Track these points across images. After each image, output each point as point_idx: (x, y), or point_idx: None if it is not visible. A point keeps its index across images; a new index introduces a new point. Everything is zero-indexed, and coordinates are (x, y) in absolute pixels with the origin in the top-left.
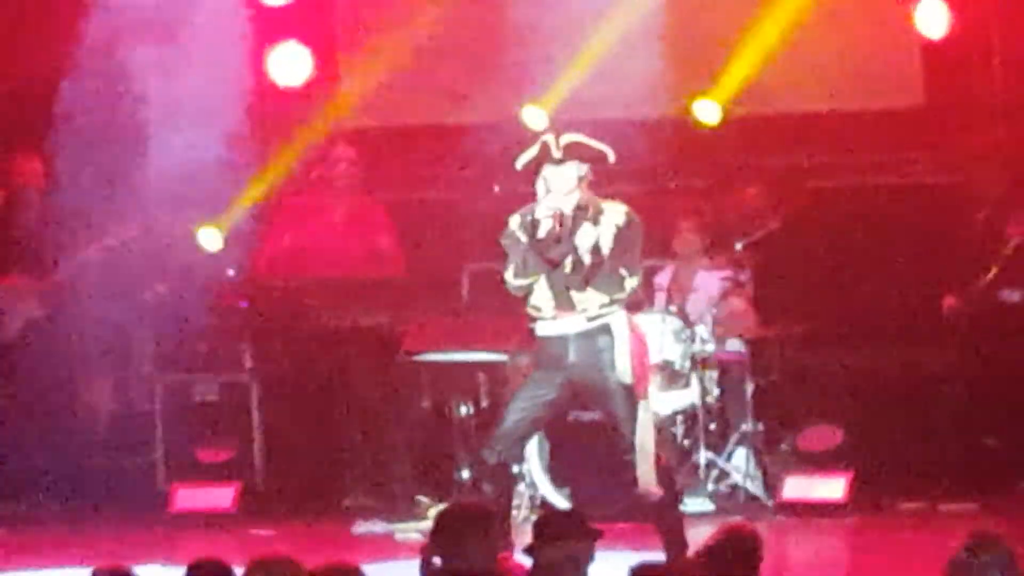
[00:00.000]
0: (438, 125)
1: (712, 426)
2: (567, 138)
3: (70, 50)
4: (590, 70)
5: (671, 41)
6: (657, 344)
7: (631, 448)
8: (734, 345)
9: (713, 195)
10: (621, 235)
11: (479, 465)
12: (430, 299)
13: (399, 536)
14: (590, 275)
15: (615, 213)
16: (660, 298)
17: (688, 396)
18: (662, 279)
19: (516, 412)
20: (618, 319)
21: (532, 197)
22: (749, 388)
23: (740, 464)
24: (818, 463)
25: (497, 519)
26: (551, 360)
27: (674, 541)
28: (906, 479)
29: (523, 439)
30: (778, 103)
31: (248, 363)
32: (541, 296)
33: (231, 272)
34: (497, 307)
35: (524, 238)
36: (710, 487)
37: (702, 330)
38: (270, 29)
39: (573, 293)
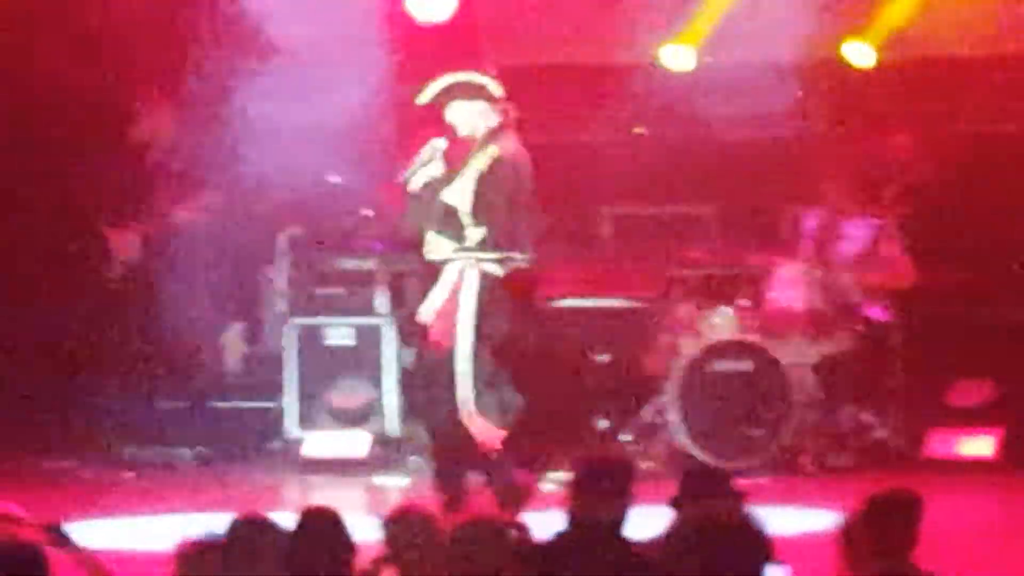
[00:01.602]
0: (578, 65)
1: (857, 379)
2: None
3: None
4: (736, 9)
5: None
6: (802, 293)
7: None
8: (881, 296)
9: (863, 140)
10: (482, 181)
11: None
12: (569, 243)
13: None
14: (443, 223)
15: (483, 158)
16: (806, 246)
17: (833, 347)
18: (809, 226)
19: None
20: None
21: (675, 139)
22: (896, 340)
23: (885, 418)
24: (967, 419)
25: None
26: None
27: (513, 500)
28: None
29: None
30: (933, 46)
31: (383, 306)
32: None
33: (367, 213)
34: (637, 252)
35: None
36: (852, 442)
37: (848, 279)
38: None
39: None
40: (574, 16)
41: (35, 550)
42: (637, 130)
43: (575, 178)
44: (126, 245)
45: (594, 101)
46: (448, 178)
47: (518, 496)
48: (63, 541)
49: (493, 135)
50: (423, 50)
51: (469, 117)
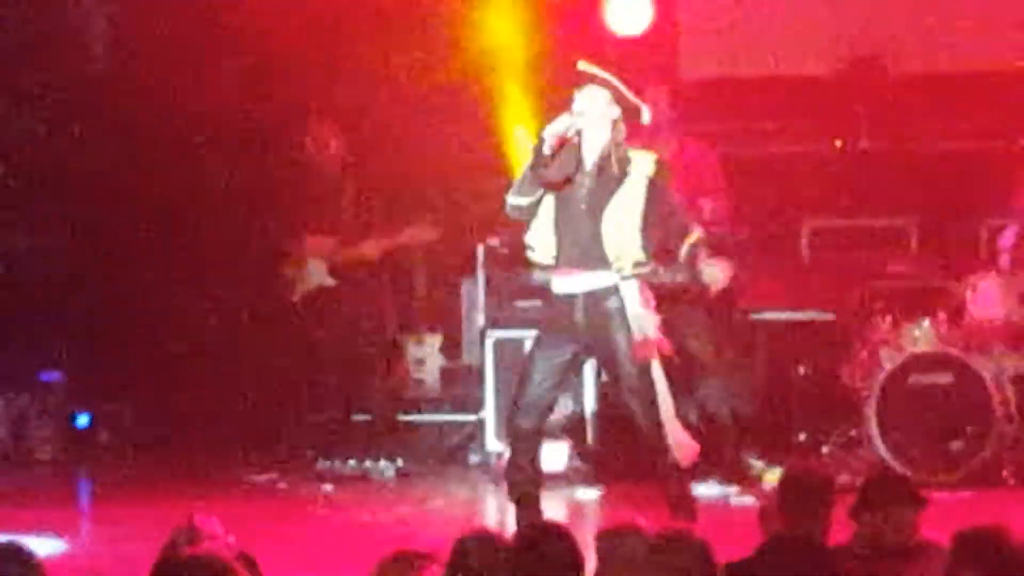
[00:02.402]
0: (777, 76)
1: None
2: (588, 66)
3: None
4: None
5: None
6: (1002, 305)
7: (648, 413)
8: None
9: None
10: (654, 187)
11: (511, 434)
12: (768, 255)
13: (733, 500)
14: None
15: (644, 162)
16: (1004, 259)
17: None
18: (1006, 240)
19: (537, 379)
20: (627, 280)
21: (875, 151)
22: None
23: None
24: None
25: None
26: (559, 320)
27: (684, 511)
28: None
29: (551, 405)
30: None
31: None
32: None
33: None
34: (837, 265)
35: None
36: None
37: None
38: None
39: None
40: (769, 27)
41: (225, 567)
42: (838, 142)
43: (775, 190)
44: (316, 267)
45: (794, 112)
46: (597, 185)
47: (692, 508)
48: (251, 569)
49: (652, 135)
50: (623, 63)
51: (599, 105)
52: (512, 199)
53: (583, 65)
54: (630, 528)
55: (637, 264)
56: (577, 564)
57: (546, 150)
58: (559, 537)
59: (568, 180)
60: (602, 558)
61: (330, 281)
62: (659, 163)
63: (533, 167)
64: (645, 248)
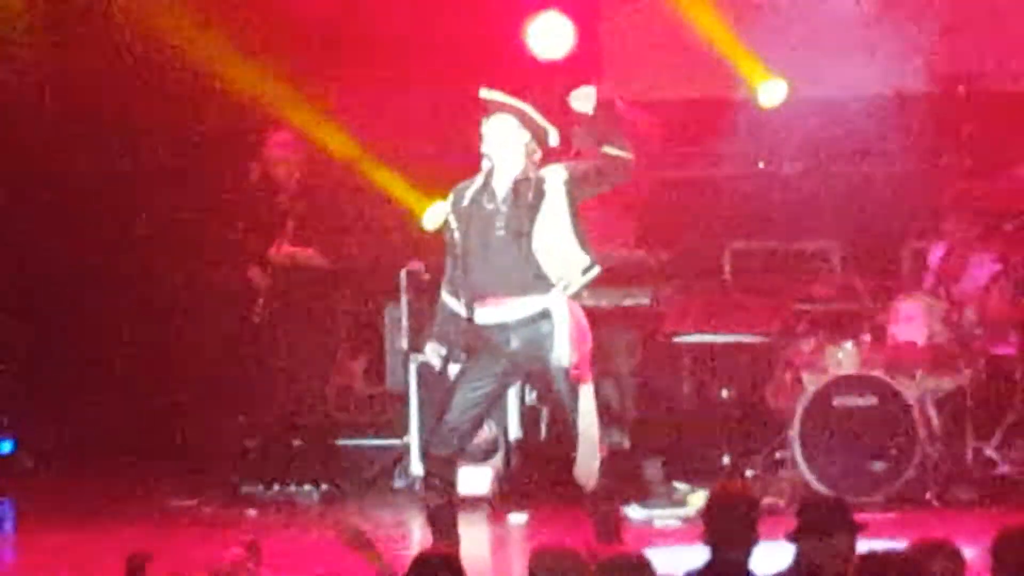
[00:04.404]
0: (698, 99)
1: (980, 413)
2: (490, 94)
3: None
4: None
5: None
6: (925, 327)
7: (575, 434)
8: (1005, 331)
9: (986, 174)
10: (572, 192)
11: (425, 460)
12: (691, 278)
13: (658, 523)
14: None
15: (556, 174)
16: (929, 279)
17: (956, 381)
18: (932, 260)
19: (461, 406)
20: (558, 302)
21: (797, 173)
22: (1020, 374)
23: (1009, 453)
24: None
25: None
26: (491, 348)
27: (606, 532)
28: None
29: (471, 432)
30: None
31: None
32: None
33: None
34: (760, 287)
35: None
36: (977, 476)
37: (971, 314)
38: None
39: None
40: (693, 51)
41: None
42: (760, 164)
43: (697, 213)
44: (265, 284)
45: (716, 136)
46: (514, 210)
47: (615, 529)
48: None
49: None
50: (545, 87)
51: (507, 132)
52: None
53: (485, 93)
54: (561, 550)
55: (586, 270)
56: None
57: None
58: (446, 567)
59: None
60: None
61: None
62: (570, 167)
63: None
64: (585, 249)
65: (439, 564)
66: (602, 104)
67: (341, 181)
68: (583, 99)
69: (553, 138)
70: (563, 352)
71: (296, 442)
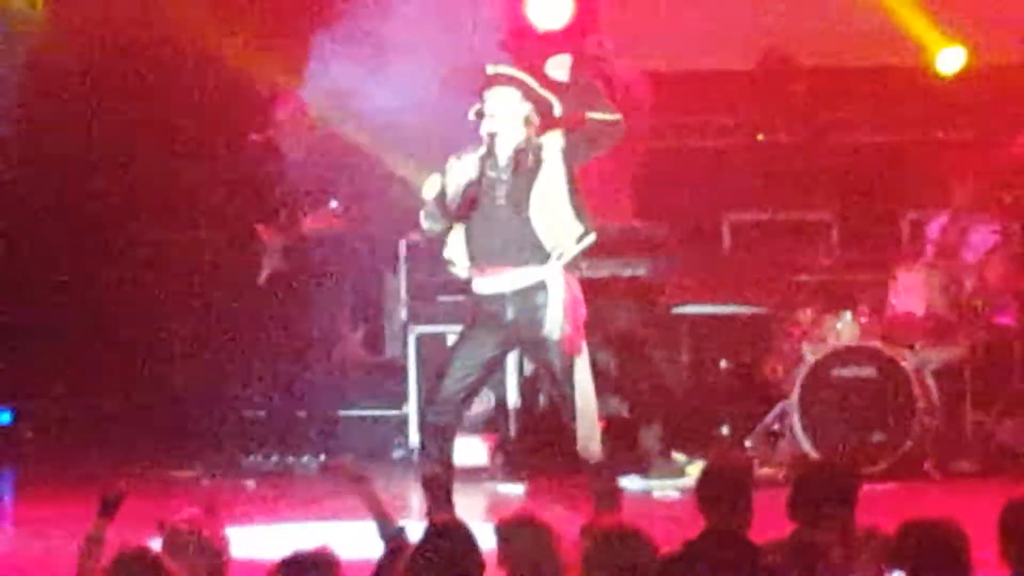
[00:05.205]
0: (698, 71)
1: (980, 384)
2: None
3: None
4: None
5: None
6: (924, 298)
7: (572, 406)
8: (1005, 301)
9: (987, 144)
10: (569, 157)
11: (423, 429)
12: (689, 250)
13: (657, 494)
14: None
15: (554, 140)
16: (930, 250)
17: (955, 352)
18: (932, 231)
19: (457, 375)
20: (554, 273)
21: (796, 144)
22: (1020, 344)
23: (1008, 423)
24: None
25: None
26: (488, 318)
27: (606, 504)
28: None
29: (467, 401)
30: None
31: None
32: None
33: None
34: (759, 258)
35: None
36: (976, 447)
37: (971, 284)
38: None
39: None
40: (694, 21)
41: None
42: (759, 136)
43: (696, 184)
44: (275, 249)
45: (714, 107)
46: (515, 180)
47: (616, 501)
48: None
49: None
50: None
51: (509, 104)
52: (424, 223)
53: (491, 68)
54: (531, 520)
55: (580, 238)
56: (478, 564)
57: (451, 195)
58: (460, 536)
59: (473, 208)
60: (503, 550)
61: (284, 267)
62: (567, 134)
63: (437, 201)
64: (580, 217)
65: (454, 533)
66: (580, 70)
67: (346, 150)
68: (558, 68)
69: (557, 108)
70: (556, 324)
71: (292, 412)
